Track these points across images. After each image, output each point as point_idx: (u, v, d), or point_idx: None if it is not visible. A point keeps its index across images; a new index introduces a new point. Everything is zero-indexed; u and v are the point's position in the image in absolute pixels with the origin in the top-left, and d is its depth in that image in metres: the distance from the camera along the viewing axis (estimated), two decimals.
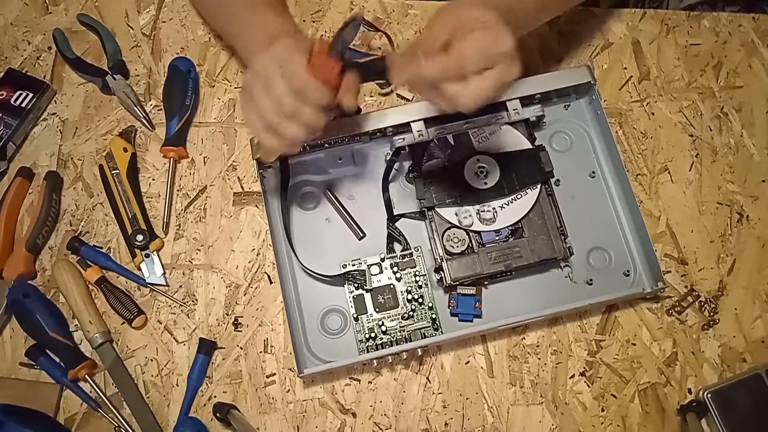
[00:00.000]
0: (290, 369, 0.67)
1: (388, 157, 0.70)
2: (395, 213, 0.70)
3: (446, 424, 0.65)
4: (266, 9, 0.64)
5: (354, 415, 0.65)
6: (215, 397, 0.66)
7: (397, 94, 0.76)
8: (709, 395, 0.63)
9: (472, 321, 0.66)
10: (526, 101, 0.69)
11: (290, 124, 0.54)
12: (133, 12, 0.80)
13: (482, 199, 0.66)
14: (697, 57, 0.77)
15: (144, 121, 0.75)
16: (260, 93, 0.55)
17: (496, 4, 0.52)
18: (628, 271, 0.68)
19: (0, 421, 0.60)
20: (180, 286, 0.70)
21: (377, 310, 0.66)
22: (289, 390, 0.66)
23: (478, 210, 0.66)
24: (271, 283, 0.70)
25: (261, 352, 0.67)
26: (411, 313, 0.67)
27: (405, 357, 0.65)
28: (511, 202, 0.66)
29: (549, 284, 0.68)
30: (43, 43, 0.79)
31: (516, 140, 0.69)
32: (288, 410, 0.66)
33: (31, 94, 0.75)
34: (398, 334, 0.66)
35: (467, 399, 0.66)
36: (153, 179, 0.74)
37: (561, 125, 0.73)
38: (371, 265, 0.68)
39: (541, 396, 0.66)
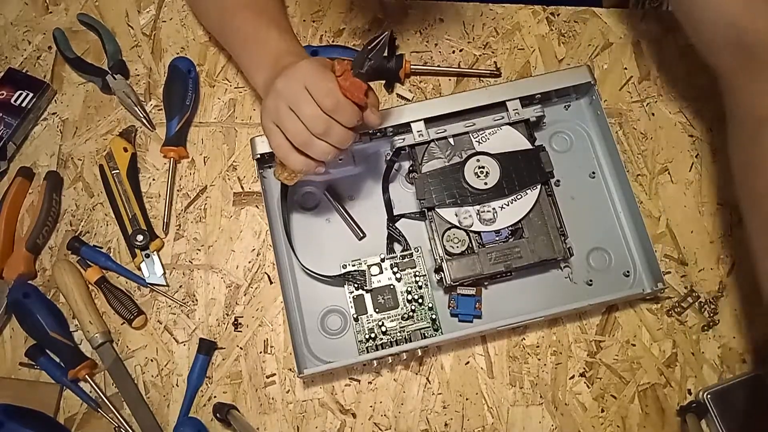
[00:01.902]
0: (290, 369, 0.67)
1: (388, 158, 0.70)
2: (395, 213, 0.70)
3: (446, 424, 0.65)
4: (270, 29, 0.64)
5: (354, 415, 0.66)
6: (215, 397, 0.66)
7: (397, 94, 0.76)
8: (708, 396, 0.63)
9: (472, 321, 0.66)
10: (526, 101, 0.69)
11: (320, 143, 0.56)
12: (133, 12, 0.80)
13: (482, 199, 0.66)
14: (697, 57, 0.77)
15: (144, 121, 0.75)
16: (288, 114, 0.55)
17: None
18: (628, 271, 0.68)
19: (0, 422, 0.60)
20: (180, 287, 0.70)
21: (377, 310, 0.66)
22: (289, 390, 0.66)
23: (478, 210, 0.66)
24: (271, 283, 0.70)
25: (261, 353, 0.67)
26: (411, 313, 0.67)
27: (405, 357, 0.65)
28: (511, 203, 0.66)
29: (549, 285, 0.68)
30: (43, 42, 0.79)
31: (516, 140, 0.69)
32: (288, 410, 0.66)
33: (31, 94, 0.75)
34: (398, 334, 0.66)
35: (467, 399, 0.66)
36: (153, 179, 0.74)
37: (561, 125, 0.73)
38: (371, 265, 0.68)
39: (540, 397, 0.66)
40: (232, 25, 0.67)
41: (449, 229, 0.66)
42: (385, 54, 0.71)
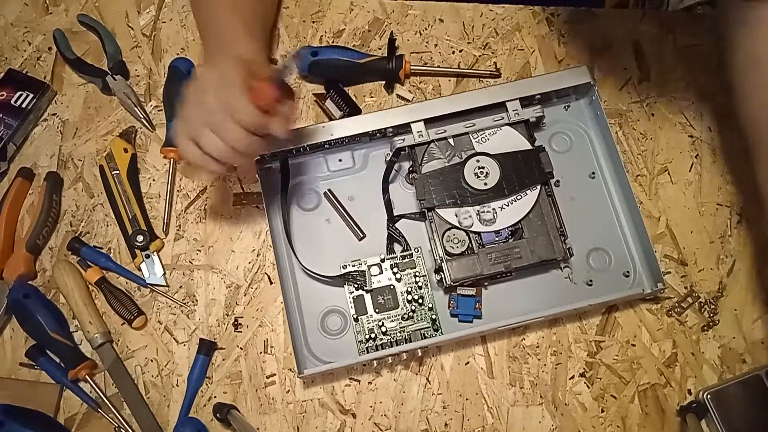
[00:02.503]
0: (290, 369, 0.67)
1: (388, 158, 0.70)
2: (395, 214, 0.70)
3: (446, 424, 0.65)
4: (239, 21, 0.64)
5: (354, 415, 0.66)
6: (215, 397, 0.66)
7: (397, 95, 0.76)
8: (708, 396, 0.63)
9: (472, 322, 0.66)
10: (526, 102, 0.69)
11: (211, 136, 0.54)
12: (133, 12, 0.80)
13: (482, 199, 0.66)
14: (697, 57, 0.77)
15: (144, 121, 0.75)
16: (191, 99, 0.55)
17: None
18: (627, 272, 0.68)
19: (0, 421, 0.60)
20: (180, 287, 0.70)
21: (377, 310, 0.66)
22: (289, 390, 0.66)
23: (478, 211, 0.66)
24: (271, 283, 0.70)
25: (261, 353, 0.67)
26: (411, 313, 0.67)
27: (405, 358, 0.65)
28: (511, 203, 0.66)
29: (549, 285, 0.68)
30: (43, 43, 0.80)
31: (516, 141, 0.69)
32: (288, 411, 0.66)
33: (31, 95, 0.75)
34: (398, 334, 0.66)
35: (467, 400, 0.66)
36: (153, 180, 0.74)
37: (561, 126, 0.73)
38: (371, 265, 0.68)
39: (540, 397, 0.66)
40: (209, 17, 0.67)
41: (449, 229, 0.66)
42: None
